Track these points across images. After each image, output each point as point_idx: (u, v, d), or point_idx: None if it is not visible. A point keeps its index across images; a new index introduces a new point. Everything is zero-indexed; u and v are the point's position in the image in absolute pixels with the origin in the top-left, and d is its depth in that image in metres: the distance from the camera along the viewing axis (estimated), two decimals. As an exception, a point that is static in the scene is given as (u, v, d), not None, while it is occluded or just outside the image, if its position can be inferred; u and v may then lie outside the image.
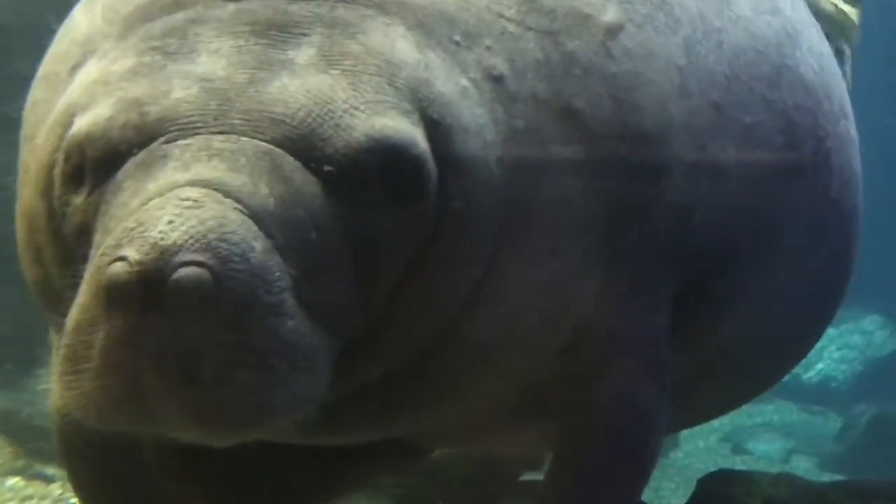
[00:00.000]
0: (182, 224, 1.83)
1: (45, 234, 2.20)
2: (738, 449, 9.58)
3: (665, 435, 2.60)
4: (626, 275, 2.35)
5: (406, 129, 2.02)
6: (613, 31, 2.27)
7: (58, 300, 2.10)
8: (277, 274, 1.88)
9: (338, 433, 2.31)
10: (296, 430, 1.98)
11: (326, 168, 1.96)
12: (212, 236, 1.83)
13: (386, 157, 1.99)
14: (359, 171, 1.98)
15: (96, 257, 1.87)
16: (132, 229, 1.84)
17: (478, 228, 2.12)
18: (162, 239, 1.81)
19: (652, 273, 2.40)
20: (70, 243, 2.08)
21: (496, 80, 2.14)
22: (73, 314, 1.89)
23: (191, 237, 1.82)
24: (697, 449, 9.10)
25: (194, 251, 1.81)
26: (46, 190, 2.16)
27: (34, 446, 5.19)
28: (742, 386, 3.11)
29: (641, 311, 2.42)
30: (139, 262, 1.80)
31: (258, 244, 1.87)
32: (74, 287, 1.94)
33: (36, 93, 2.35)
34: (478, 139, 2.10)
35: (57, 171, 2.10)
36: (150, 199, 1.88)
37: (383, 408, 2.25)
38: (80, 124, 2.03)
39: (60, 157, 2.08)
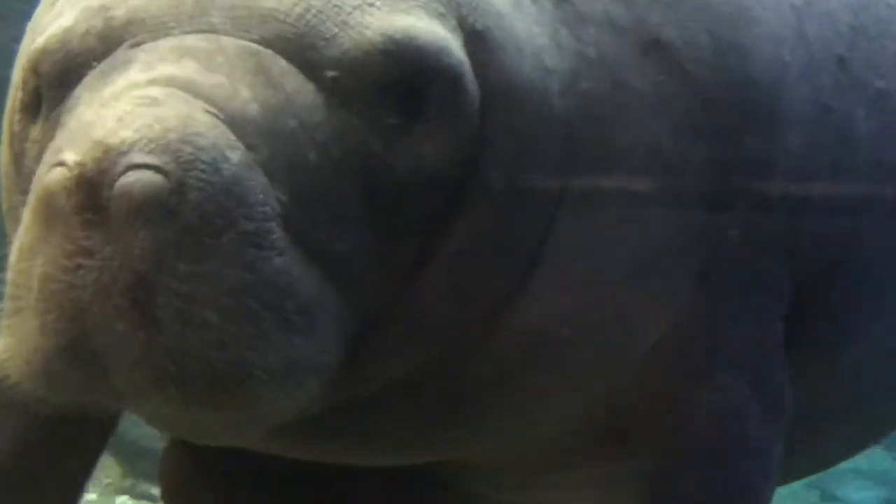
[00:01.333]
0: (135, 121, 1.49)
1: (9, 181, 1.87)
2: (826, 496, 9.05)
3: (776, 481, 2.09)
4: (729, 265, 1.91)
5: (436, 32, 1.64)
6: None
7: None
8: (260, 196, 1.51)
9: (342, 449, 1.91)
10: (294, 432, 1.68)
11: (329, 73, 1.59)
12: (172, 136, 1.48)
13: (408, 64, 1.61)
14: (372, 78, 1.60)
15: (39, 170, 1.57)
16: (75, 131, 1.52)
17: (531, 183, 1.72)
18: (107, 136, 1.48)
19: (762, 265, 1.94)
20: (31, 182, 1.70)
21: None
22: (16, 241, 1.57)
23: (145, 136, 1.48)
24: (779, 495, 8.52)
25: (149, 152, 1.46)
26: (11, 132, 1.83)
27: (142, 467, 5.34)
28: (856, 431, 2.59)
29: (748, 316, 1.96)
30: (78, 164, 1.47)
31: (234, 155, 1.51)
32: None
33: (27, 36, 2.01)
34: (535, 63, 1.71)
35: (13, 104, 1.79)
36: (103, 104, 1.55)
37: (395, 424, 1.85)
38: (37, 39, 1.71)
39: (16, 79, 1.78)
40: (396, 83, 1.61)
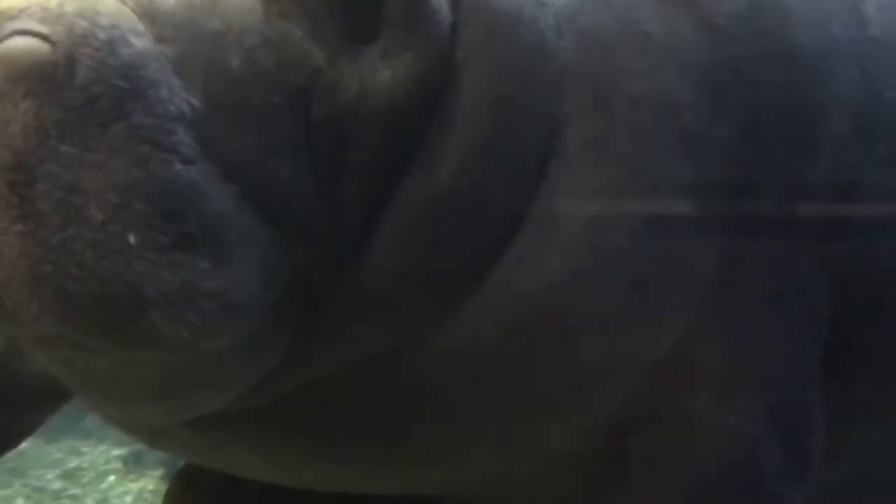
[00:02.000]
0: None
1: None
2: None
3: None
4: (755, 266, 1.63)
5: None
6: None
7: None
8: (164, 92, 1.34)
9: (292, 458, 1.64)
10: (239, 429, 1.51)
11: None
12: (68, 9, 1.32)
13: None
14: None
15: None
16: None
17: (510, 128, 1.49)
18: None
19: (794, 272, 1.67)
20: None
21: None
22: None
23: (37, 3, 1.32)
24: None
25: (39, 20, 1.31)
26: None
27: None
28: None
29: (775, 332, 1.66)
30: None
31: (138, 41, 1.34)
32: None
33: None
34: None
35: None
36: None
37: (341, 424, 1.58)
38: None
39: None
40: None
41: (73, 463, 4.95)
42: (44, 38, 1.30)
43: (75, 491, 4.69)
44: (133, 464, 4.98)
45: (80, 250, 1.28)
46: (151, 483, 4.82)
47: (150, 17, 1.36)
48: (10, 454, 1.98)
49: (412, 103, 1.45)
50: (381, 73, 1.44)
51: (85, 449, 5.05)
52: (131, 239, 1.29)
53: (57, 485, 4.73)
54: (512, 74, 1.50)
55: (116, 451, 5.01)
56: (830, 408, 1.73)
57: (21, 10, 1.31)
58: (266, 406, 1.51)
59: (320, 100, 1.41)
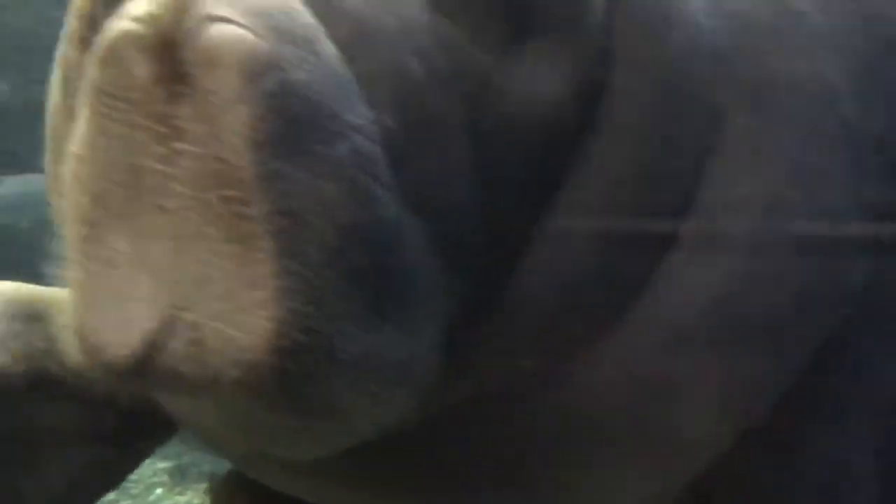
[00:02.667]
0: None
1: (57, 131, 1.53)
2: None
3: None
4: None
5: None
6: None
7: None
8: (362, 110, 1.16)
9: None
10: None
11: None
12: (266, 2, 1.14)
13: None
14: None
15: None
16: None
17: (673, 130, 1.36)
18: None
19: None
20: None
21: None
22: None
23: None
24: None
25: (238, 10, 1.12)
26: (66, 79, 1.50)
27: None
28: None
29: None
30: (148, 15, 1.13)
31: (329, 48, 1.17)
32: None
33: None
34: None
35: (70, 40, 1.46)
36: None
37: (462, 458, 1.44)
38: None
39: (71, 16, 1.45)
40: None
41: (122, 476, 5.04)
42: (251, 31, 1.12)
43: (126, 503, 4.77)
44: (178, 477, 5.06)
45: (291, 289, 1.11)
46: (197, 497, 4.90)
47: (324, 14, 1.19)
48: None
49: (575, 105, 1.32)
50: (545, 74, 1.30)
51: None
52: (341, 290, 1.13)
53: (108, 496, 4.83)
54: (668, 68, 1.37)
55: (162, 465, 5.05)
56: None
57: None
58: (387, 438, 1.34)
59: (489, 108, 1.27)
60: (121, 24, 1.14)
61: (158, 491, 5.03)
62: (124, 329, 1.15)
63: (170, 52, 1.12)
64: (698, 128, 1.39)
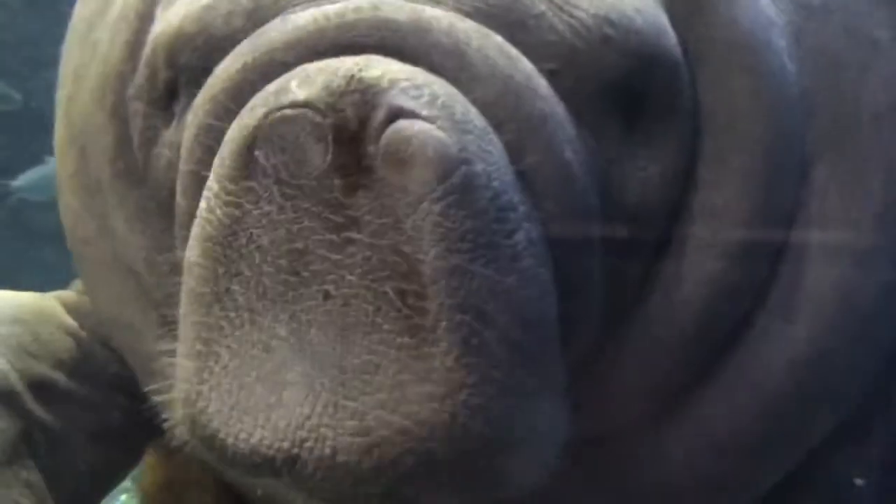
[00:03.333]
0: (378, 64, 1.15)
1: (111, 171, 1.52)
2: None
3: None
4: None
5: (649, 5, 1.31)
6: None
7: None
8: (529, 198, 1.18)
9: None
10: None
11: (547, 65, 1.25)
12: (438, 87, 1.14)
13: (631, 54, 1.28)
14: (594, 74, 1.27)
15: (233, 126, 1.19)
16: (288, 72, 1.17)
17: (772, 184, 1.36)
18: (360, 69, 1.13)
19: None
20: (161, 195, 1.40)
21: None
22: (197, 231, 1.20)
23: (408, 75, 1.14)
24: None
25: (418, 98, 1.12)
26: (115, 112, 1.50)
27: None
28: None
29: None
30: (329, 105, 1.11)
31: (493, 135, 1.17)
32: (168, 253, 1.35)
33: None
34: (754, 12, 1.37)
35: (134, 92, 1.46)
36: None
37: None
38: (167, 21, 1.36)
39: (140, 70, 1.43)
40: (619, 79, 1.29)
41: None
42: (430, 121, 1.13)
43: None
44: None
45: (472, 385, 1.12)
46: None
47: (477, 101, 1.19)
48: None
49: (673, 191, 1.35)
50: (650, 169, 1.32)
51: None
52: (517, 377, 1.14)
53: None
54: (765, 130, 1.36)
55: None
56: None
57: (393, 83, 1.13)
58: None
59: (609, 198, 1.29)
60: (285, 104, 1.14)
61: (123, 497, 5.00)
62: (279, 418, 1.13)
63: (352, 143, 1.12)
64: (794, 175, 1.39)
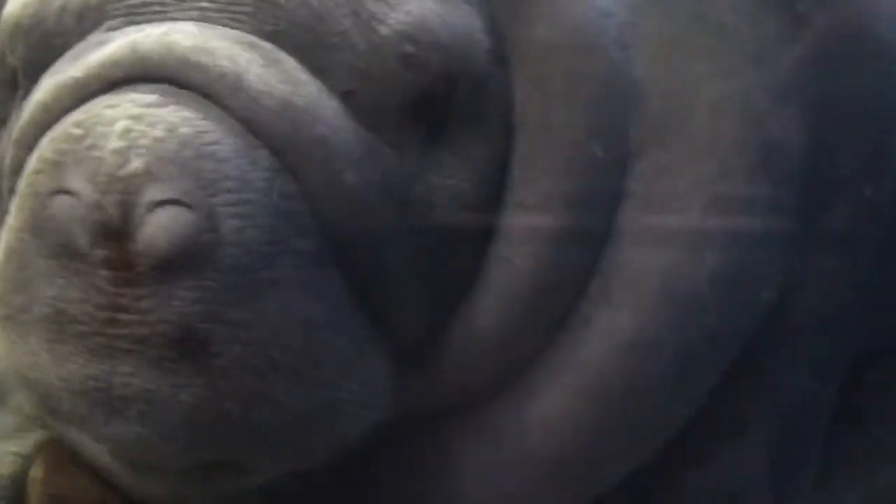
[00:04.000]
0: (140, 137, 1.22)
1: None
2: None
3: None
4: (812, 294, 1.52)
5: (462, 16, 1.36)
6: None
7: None
8: (301, 205, 1.27)
9: None
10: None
11: (344, 87, 1.30)
12: (188, 153, 1.22)
13: (433, 71, 1.32)
14: (394, 94, 1.31)
15: (29, 170, 1.29)
16: (72, 138, 1.24)
17: (583, 176, 1.39)
18: (119, 165, 1.21)
19: (846, 296, 1.56)
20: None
21: None
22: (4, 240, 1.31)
23: (158, 157, 1.21)
24: None
25: (167, 180, 1.21)
26: None
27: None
28: None
29: (811, 368, 1.57)
30: (96, 205, 1.21)
31: (262, 159, 1.25)
32: None
33: None
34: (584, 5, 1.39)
35: None
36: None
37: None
38: (11, 5, 1.40)
39: None
40: (419, 95, 1.32)
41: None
42: (179, 203, 1.20)
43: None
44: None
45: (266, 392, 1.24)
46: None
47: (256, 125, 1.24)
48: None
49: (486, 194, 1.38)
50: (457, 177, 1.36)
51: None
52: (318, 366, 1.26)
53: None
54: (576, 120, 1.38)
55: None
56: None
57: (147, 174, 1.19)
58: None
59: (415, 212, 1.33)
60: (61, 198, 1.22)
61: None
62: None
63: (117, 242, 1.20)
64: (614, 169, 1.40)
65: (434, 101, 1.33)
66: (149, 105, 1.23)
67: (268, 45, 1.27)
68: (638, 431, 1.46)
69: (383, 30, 1.29)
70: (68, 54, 1.32)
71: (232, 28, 1.28)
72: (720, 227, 1.40)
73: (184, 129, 1.22)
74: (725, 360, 1.47)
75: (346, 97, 1.29)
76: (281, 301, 1.23)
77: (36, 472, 1.70)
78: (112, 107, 1.23)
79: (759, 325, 1.46)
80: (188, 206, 1.20)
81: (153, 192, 1.19)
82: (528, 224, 1.37)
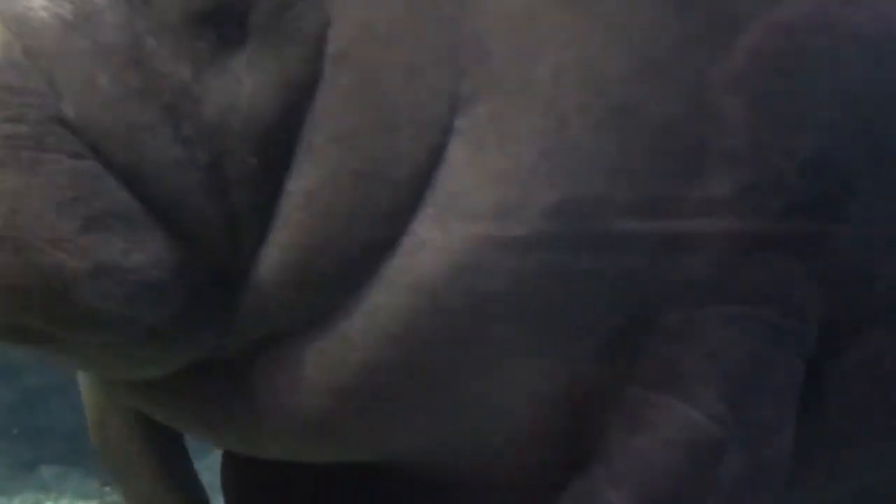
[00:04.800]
0: None
1: None
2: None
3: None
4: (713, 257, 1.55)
5: None
6: None
7: None
8: (35, 99, 1.40)
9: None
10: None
11: None
12: None
13: None
14: (184, 6, 1.44)
15: None
16: None
17: (396, 113, 1.48)
18: None
19: (777, 270, 1.59)
20: None
21: None
22: None
23: None
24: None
25: None
26: None
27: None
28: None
29: (750, 329, 1.58)
30: None
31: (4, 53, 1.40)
32: None
33: None
34: None
35: None
36: None
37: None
38: None
39: None
40: (215, 5, 1.43)
41: (35, 517, 4.92)
42: None
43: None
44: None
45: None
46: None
47: (21, 30, 1.39)
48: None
49: (280, 108, 1.45)
50: (245, 84, 1.44)
51: (47, 503, 5.03)
52: (43, 231, 1.37)
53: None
54: (391, 57, 1.46)
55: (78, 504, 4.98)
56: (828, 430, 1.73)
57: None
58: (183, 375, 1.55)
59: (188, 116, 1.43)
60: None
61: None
62: None
63: None
64: (438, 111, 1.46)
65: (229, 12, 1.43)
66: None
67: None
68: (485, 349, 1.52)
69: None
70: None
71: None
72: (554, 170, 1.45)
73: None
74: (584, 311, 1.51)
75: (133, 3, 1.42)
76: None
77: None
78: None
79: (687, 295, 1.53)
80: None
81: None
82: (332, 155, 1.45)
